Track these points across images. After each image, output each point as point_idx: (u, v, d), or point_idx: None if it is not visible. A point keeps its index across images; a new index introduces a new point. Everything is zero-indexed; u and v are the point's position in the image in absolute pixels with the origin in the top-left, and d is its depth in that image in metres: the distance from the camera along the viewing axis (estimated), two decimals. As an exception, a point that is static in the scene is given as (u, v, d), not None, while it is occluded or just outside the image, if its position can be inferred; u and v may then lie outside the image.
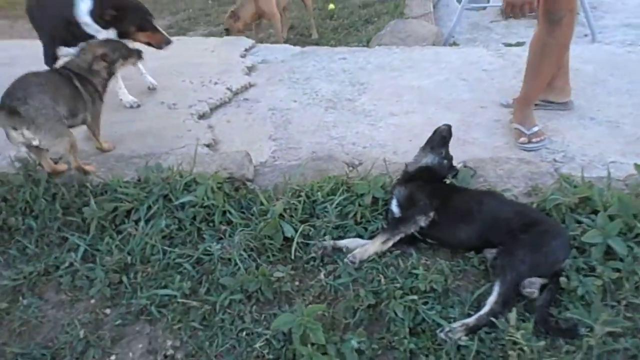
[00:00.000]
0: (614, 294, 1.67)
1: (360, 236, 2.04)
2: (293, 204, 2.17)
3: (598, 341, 1.48)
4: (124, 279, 1.95)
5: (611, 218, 1.78)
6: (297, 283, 1.88)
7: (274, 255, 2.01)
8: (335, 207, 2.13)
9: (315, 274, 1.92)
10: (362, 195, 2.15)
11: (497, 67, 4.15)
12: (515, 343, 1.50)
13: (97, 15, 2.73)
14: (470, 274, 1.83)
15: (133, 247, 2.06)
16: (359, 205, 2.13)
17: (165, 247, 2.05)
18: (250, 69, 4.22)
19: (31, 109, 2.18)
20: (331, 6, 7.06)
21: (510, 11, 2.50)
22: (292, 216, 2.12)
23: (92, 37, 2.79)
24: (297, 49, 4.89)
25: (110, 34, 2.84)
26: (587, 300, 1.63)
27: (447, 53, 4.66)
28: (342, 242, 1.97)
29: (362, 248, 1.91)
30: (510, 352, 1.48)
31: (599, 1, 6.87)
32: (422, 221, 1.90)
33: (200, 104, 3.56)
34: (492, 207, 1.91)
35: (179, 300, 1.82)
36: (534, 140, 2.76)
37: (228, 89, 3.79)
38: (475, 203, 1.93)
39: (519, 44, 4.96)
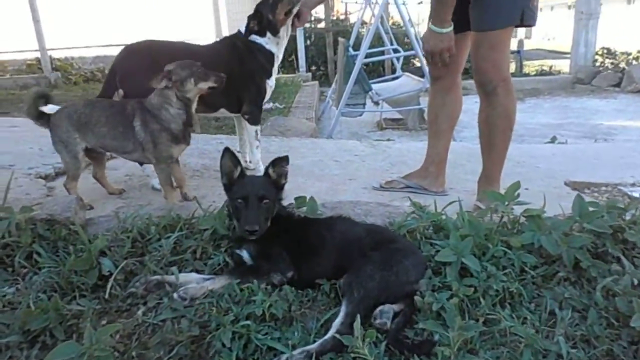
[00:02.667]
0: (472, 312, 1.51)
1: (199, 272, 1.71)
2: (120, 239, 1.81)
3: (454, 352, 1.26)
4: None
5: (463, 238, 1.69)
6: (103, 322, 1.46)
7: (83, 295, 1.59)
8: (172, 243, 1.81)
9: (133, 312, 1.52)
10: (204, 230, 1.86)
11: (368, 153, 4.34)
12: (362, 362, 1.23)
13: (250, 30, 3.01)
14: (320, 302, 1.57)
15: None
16: (201, 240, 1.83)
17: None
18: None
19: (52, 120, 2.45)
20: None
21: (432, 60, 2.50)
22: (119, 254, 1.75)
23: (272, 54, 3.09)
24: (174, 135, 4.78)
25: (272, 39, 3.05)
26: (443, 317, 1.43)
27: (323, 142, 4.83)
28: (172, 277, 1.62)
29: (198, 285, 1.57)
30: (355, 372, 1.19)
31: (459, 119, 7.84)
32: (277, 280, 1.61)
33: (44, 167, 3.19)
34: (342, 231, 1.72)
35: None
36: None
37: (84, 157, 3.44)
38: (326, 231, 1.73)
39: (389, 140, 5.34)
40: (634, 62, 11.29)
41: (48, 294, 1.57)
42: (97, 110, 2.45)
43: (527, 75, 12.54)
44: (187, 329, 1.37)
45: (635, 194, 3.31)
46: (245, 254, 1.71)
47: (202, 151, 4.08)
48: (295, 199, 2.03)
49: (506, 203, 1.85)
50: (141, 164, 2.94)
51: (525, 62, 13.60)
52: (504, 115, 2.64)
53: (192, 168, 3.53)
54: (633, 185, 3.55)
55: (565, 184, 3.57)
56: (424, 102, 7.32)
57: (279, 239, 1.71)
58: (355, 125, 7.62)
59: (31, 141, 3.77)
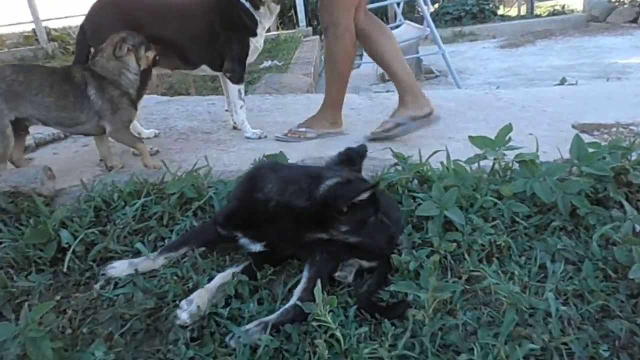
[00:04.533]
0: (455, 269, 1.38)
1: (164, 238, 1.61)
2: (83, 209, 1.71)
3: (429, 315, 1.14)
4: None
5: (447, 189, 1.54)
6: (57, 297, 1.37)
7: (40, 270, 1.49)
8: (138, 210, 1.69)
9: (91, 286, 1.43)
10: (172, 194, 1.74)
11: (365, 106, 4.14)
12: (326, 331, 1.12)
13: None
14: (291, 266, 1.45)
15: None
16: (168, 205, 1.71)
17: None
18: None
19: None
20: None
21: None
22: (79, 225, 1.64)
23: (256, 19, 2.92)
24: (165, 98, 4.65)
25: (264, 12, 2.91)
26: (422, 276, 1.30)
27: (318, 98, 4.60)
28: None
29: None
30: (317, 341, 1.08)
31: (465, 66, 7.51)
32: None
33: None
34: None
35: None
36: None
37: (66, 126, 3.33)
38: None
39: (388, 91, 5.10)
40: (653, -5, 10.61)
41: (5, 270, 1.48)
42: (36, 78, 2.23)
43: (539, 16, 11.92)
44: (141, 302, 1.27)
45: (649, 134, 3.09)
46: (257, 246, 1.43)
47: (191, 113, 3.94)
48: (265, 156, 1.89)
49: (497, 149, 1.69)
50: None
51: (537, 4, 12.93)
52: (328, 57, 2.89)
53: (179, 131, 3.40)
54: (646, 124, 3.32)
55: (573, 126, 3.36)
56: (424, 50, 7.01)
57: None
58: (356, 79, 7.32)
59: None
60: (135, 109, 2.47)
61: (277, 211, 1.33)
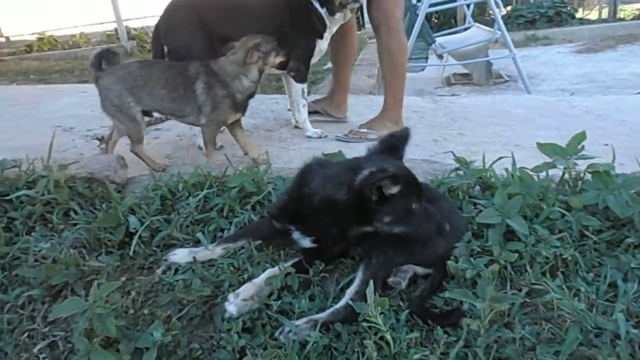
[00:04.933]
0: (515, 280, 1.32)
1: (223, 230, 1.66)
2: (150, 197, 1.80)
3: (484, 326, 1.10)
4: None
5: (511, 197, 1.47)
6: (123, 278, 1.45)
7: (110, 252, 1.59)
8: (200, 201, 1.76)
9: (154, 270, 1.50)
10: (233, 188, 1.80)
11: (428, 110, 4.07)
12: (376, 333, 1.11)
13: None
14: (344, 265, 1.45)
15: None
16: (228, 197, 1.76)
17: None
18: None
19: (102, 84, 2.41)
20: None
21: None
22: (146, 212, 1.74)
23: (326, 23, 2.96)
24: (230, 96, 4.80)
25: (327, 15, 2.93)
26: (479, 285, 1.25)
27: (380, 99, 4.57)
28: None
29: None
30: (366, 342, 1.07)
31: (537, 72, 7.16)
32: None
33: (101, 129, 3.28)
34: None
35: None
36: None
37: (140, 119, 3.54)
38: None
39: (453, 95, 4.98)
40: None
41: (78, 250, 1.60)
42: (156, 72, 2.41)
43: (622, 20, 11.15)
44: (199, 289, 1.31)
45: None
46: (307, 241, 1.44)
47: (255, 111, 4.04)
48: (324, 155, 1.90)
49: (567, 157, 1.59)
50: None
51: (621, 7, 12.09)
52: (384, 52, 2.99)
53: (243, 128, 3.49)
54: None
55: (657, 138, 3.11)
56: (493, 54, 6.75)
57: None
58: (420, 82, 7.19)
59: (94, 105, 3.89)
60: (238, 112, 2.50)
61: (321, 206, 1.33)
